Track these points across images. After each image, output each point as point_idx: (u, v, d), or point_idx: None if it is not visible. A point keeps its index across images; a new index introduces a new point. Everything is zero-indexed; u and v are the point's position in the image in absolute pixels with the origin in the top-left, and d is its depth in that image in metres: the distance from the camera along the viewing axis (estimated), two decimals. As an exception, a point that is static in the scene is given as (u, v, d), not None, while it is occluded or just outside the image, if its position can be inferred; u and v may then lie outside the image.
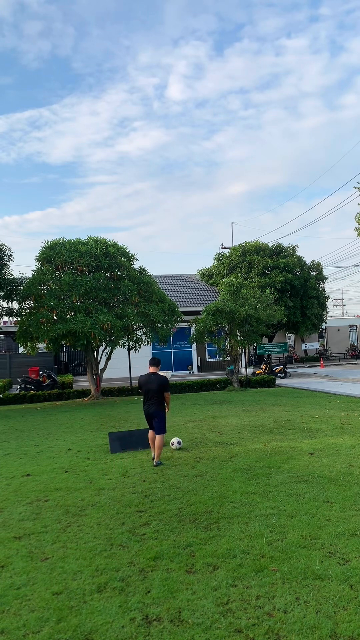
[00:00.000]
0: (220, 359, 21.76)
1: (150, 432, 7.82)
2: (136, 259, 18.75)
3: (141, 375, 8.00)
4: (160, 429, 7.63)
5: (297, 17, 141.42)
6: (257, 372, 24.35)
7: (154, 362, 8.05)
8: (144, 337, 19.14)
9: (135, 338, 18.93)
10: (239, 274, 29.77)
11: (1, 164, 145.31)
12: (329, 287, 77.16)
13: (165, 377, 7.89)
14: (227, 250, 34.84)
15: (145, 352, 24.78)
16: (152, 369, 7.91)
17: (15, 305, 18.30)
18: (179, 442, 8.49)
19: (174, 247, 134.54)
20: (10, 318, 18.91)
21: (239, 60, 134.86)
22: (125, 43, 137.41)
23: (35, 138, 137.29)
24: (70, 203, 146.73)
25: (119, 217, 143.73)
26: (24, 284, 17.84)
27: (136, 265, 18.87)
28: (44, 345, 19.35)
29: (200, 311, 20.72)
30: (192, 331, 20.44)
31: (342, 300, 66.98)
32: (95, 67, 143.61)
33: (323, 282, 34.42)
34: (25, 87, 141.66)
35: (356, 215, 23.80)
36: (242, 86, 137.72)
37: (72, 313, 16.67)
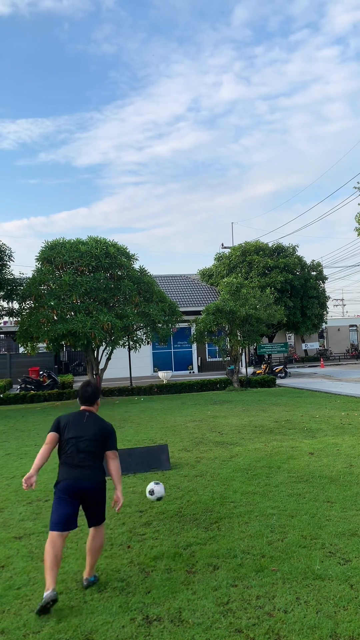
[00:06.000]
0: (221, 359, 21.74)
1: (58, 538, 3.66)
2: (136, 259, 18.75)
3: (63, 415, 4.11)
4: (101, 516, 3.94)
5: (327, 29, 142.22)
6: (258, 372, 24.35)
7: (88, 394, 4.13)
8: (144, 337, 19.13)
9: (135, 338, 18.92)
10: (239, 274, 29.76)
11: (39, 163, 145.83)
12: (329, 287, 77.20)
13: (110, 425, 4.09)
14: (227, 250, 34.85)
15: (145, 352, 24.75)
16: (84, 408, 4.12)
17: (16, 305, 18.31)
18: (151, 492, 4.83)
19: (191, 248, 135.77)
20: (11, 318, 18.91)
21: (269, 70, 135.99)
22: (161, 52, 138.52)
23: (78, 139, 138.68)
24: (98, 203, 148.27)
25: (144, 218, 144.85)
26: (24, 284, 17.84)
27: (136, 265, 18.89)
28: (44, 345, 19.34)
29: (201, 311, 20.72)
30: (193, 331, 20.44)
31: (342, 300, 67.01)
32: (130, 74, 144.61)
33: (323, 282, 34.41)
34: (75, 90, 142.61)
35: (356, 215, 23.81)
36: (269, 92, 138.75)
37: (73, 313, 16.67)
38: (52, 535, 3.66)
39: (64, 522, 3.70)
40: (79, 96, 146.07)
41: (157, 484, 4.80)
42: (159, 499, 4.81)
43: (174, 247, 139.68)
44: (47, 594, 3.40)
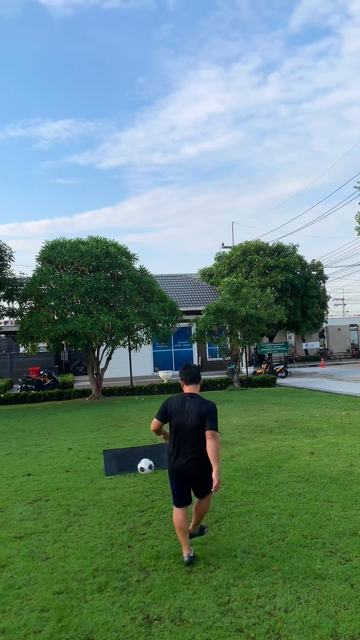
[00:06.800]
0: (221, 359, 21.73)
1: (180, 513, 4.19)
2: (137, 259, 18.74)
3: (169, 399, 4.34)
4: (206, 491, 4.24)
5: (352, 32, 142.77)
6: (258, 371, 24.34)
7: (193, 373, 4.32)
8: (144, 337, 19.13)
9: (136, 338, 18.92)
10: (240, 274, 29.73)
11: (73, 164, 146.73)
12: (330, 287, 77.24)
13: (212, 404, 4.16)
14: (227, 250, 34.83)
15: (146, 352, 24.69)
16: (188, 388, 4.27)
17: (16, 305, 18.31)
18: (142, 470, 4.95)
19: (204, 248, 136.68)
20: (11, 318, 18.91)
21: (293, 76, 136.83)
22: (190, 59, 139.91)
23: (106, 140, 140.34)
24: (124, 203, 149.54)
25: (160, 219, 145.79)
26: (25, 284, 17.85)
27: (137, 265, 18.89)
28: (45, 345, 19.35)
29: (201, 311, 20.71)
30: (193, 331, 20.43)
31: (342, 299, 67.03)
32: (160, 80, 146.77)
33: (324, 282, 34.39)
34: (107, 94, 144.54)
35: (356, 215, 23.80)
36: (292, 97, 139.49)
37: (73, 313, 16.67)
38: (174, 509, 4.25)
39: (178, 499, 4.20)
40: (110, 100, 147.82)
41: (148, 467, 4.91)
42: (142, 469, 4.93)
43: (185, 247, 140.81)
44: (184, 559, 4.10)
